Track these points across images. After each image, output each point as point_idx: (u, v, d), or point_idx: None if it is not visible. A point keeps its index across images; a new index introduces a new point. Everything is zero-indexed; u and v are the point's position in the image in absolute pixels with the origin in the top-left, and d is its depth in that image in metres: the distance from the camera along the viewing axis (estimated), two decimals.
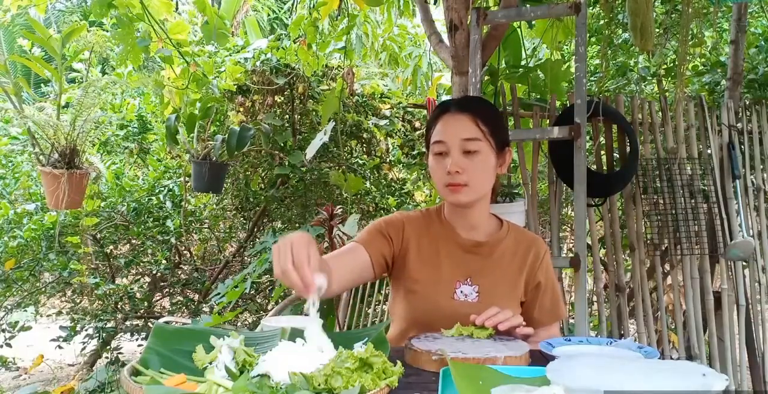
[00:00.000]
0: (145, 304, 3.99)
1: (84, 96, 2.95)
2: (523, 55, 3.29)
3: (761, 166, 3.19)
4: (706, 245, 2.90)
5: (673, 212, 2.87)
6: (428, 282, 1.51)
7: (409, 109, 4.26)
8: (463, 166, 1.44)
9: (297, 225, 3.84)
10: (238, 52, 3.80)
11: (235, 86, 3.67)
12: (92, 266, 3.95)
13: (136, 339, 3.93)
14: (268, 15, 8.50)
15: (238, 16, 5.59)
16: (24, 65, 3.37)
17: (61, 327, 3.82)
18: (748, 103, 3.21)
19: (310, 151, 3.22)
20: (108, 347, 3.97)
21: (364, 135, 4.05)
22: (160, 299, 4.34)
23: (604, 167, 2.99)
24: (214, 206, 4.28)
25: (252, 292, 3.86)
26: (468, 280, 1.52)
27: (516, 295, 1.54)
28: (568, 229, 4.40)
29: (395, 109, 4.19)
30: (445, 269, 1.52)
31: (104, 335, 3.80)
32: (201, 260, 4.48)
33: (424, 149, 4.08)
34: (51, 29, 3.28)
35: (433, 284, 1.51)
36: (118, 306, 3.85)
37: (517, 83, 3.01)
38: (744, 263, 3.08)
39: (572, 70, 2.58)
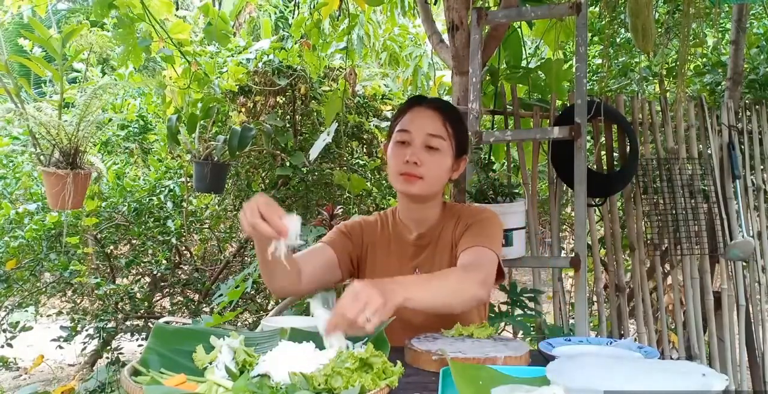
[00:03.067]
0: (146, 304, 3.99)
1: (90, 97, 2.95)
2: (524, 56, 3.29)
3: (761, 166, 3.19)
4: (706, 245, 2.90)
5: (673, 212, 2.87)
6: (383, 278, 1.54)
7: None
8: (423, 159, 1.47)
9: None
10: (240, 52, 3.81)
11: (237, 87, 3.67)
12: (93, 266, 3.95)
13: (137, 339, 3.93)
14: (273, 13, 8.50)
15: (241, 16, 5.59)
16: (23, 65, 3.37)
17: (61, 327, 3.82)
18: (748, 103, 3.21)
19: (314, 151, 3.22)
20: (108, 347, 3.97)
21: (365, 136, 4.05)
22: (161, 299, 4.34)
23: (604, 167, 2.99)
24: (216, 207, 4.28)
25: (252, 292, 3.86)
26: (416, 271, 1.56)
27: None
28: (568, 229, 4.40)
29: (396, 110, 4.19)
30: (396, 264, 1.57)
31: (104, 335, 3.80)
32: (201, 260, 4.48)
33: None
34: (51, 29, 3.27)
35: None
36: (119, 306, 3.85)
37: (517, 83, 3.01)
38: (744, 263, 3.07)
39: (573, 69, 2.59)
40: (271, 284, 1.44)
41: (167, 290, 4.26)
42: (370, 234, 1.61)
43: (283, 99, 3.88)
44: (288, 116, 3.90)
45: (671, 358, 2.96)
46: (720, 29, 4.17)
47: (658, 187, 2.91)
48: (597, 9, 3.95)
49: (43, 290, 3.95)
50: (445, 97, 4.90)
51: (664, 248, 3.01)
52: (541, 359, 1.23)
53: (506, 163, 3.19)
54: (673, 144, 2.96)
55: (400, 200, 1.61)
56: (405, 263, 1.57)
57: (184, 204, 3.96)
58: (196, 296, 4.16)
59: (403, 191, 1.54)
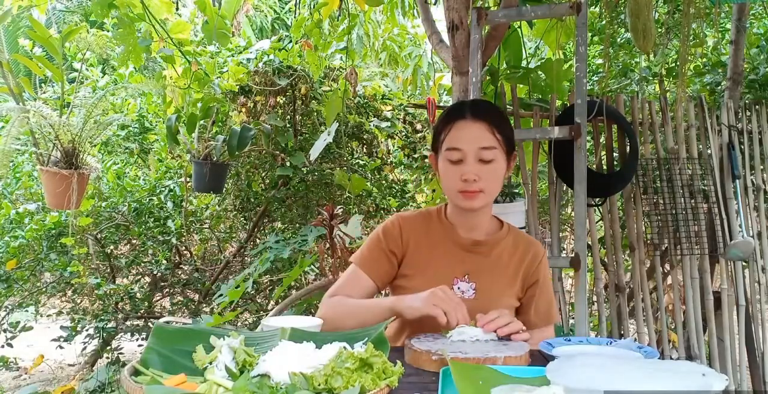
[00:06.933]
0: (146, 304, 3.99)
1: (99, 98, 2.95)
2: (524, 56, 3.30)
3: (761, 167, 3.19)
4: (706, 245, 2.90)
5: (673, 211, 2.87)
6: (425, 279, 1.52)
7: (410, 111, 4.27)
8: (479, 174, 1.44)
9: (298, 225, 3.84)
10: (241, 52, 3.80)
11: (238, 87, 3.67)
12: (93, 266, 3.95)
13: (137, 339, 3.93)
14: (269, 15, 8.50)
15: (238, 15, 5.59)
16: (25, 65, 3.38)
17: (61, 327, 3.82)
18: (748, 103, 3.21)
19: (315, 151, 3.22)
20: (108, 347, 3.97)
21: (366, 136, 4.05)
22: (161, 299, 4.34)
23: (604, 167, 2.99)
24: (216, 207, 4.28)
25: (252, 292, 3.86)
26: (466, 277, 1.53)
27: (512, 293, 1.55)
28: (568, 229, 4.40)
29: (396, 110, 4.19)
30: (443, 267, 1.53)
31: (105, 335, 3.80)
32: (201, 260, 4.48)
33: (425, 152, 4.08)
34: (51, 29, 3.28)
35: (429, 281, 1.50)
36: (119, 306, 3.86)
37: (517, 83, 3.02)
38: (744, 263, 3.08)
39: (573, 69, 2.59)
40: (346, 327, 1.43)
41: (167, 290, 4.26)
42: (412, 229, 1.57)
43: (284, 99, 3.88)
44: (288, 116, 3.90)
45: (671, 358, 2.96)
46: (720, 29, 4.17)
47: (658, 187, 2.91)
48: (597, 9, 3.95)
49: (43, 290, 3.95)
50: (445, 98, 4.91)
51: (664, 248, 3.01)
52: (541, 359, 1.23)
53: None
54: (673, 144, 2.96)
55: (452, 207, 1.58)
56: (455, 265, 1.53)
57: (184, 204, 3.96)
58: (196, 296, 4.16)
59: (466, 208, 1.50)
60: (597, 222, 3.18)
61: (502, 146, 1.47)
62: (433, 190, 3.86)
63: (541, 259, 1.60)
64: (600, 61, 4.30)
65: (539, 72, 3.14)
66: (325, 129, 3.28)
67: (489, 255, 1.55)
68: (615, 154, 2.95)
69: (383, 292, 1.60)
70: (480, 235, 1.57)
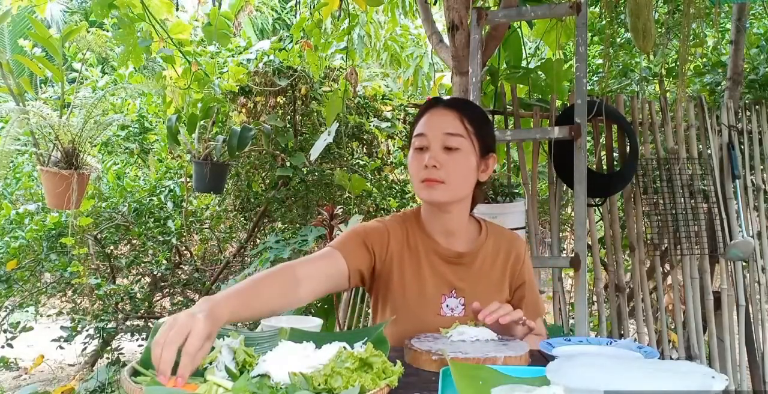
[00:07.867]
0: (146, 304, 3.99)
1: (98, 99, 2.96)
2: (524, 56, 3.30)
3: (761, 167, 3.19)
4: (706, 245, 2.91)
5: (673, 211, 2.87)
6: (414, 299, 1.45)
7: (410, 111, 4.27)
8: (442, 162, 1.37)
9: (298, 226, 3.84)
10: (241, 53, 3.81)
11: (238, 87, 3.67)
12: (93, 267, 3.95)
13: (137, 339, 3.93)
14: (269, 16, 8.50)
15: (240, 16, 5.60)
16: (26, 66, 3.38)
17: (62, 327, 3.82)
18: (748, 103, 3.21)
19: (315, 152, 3.22)
20: (108, 348, 3.97)
21: (366, 136, 4.05)
22: (161, 299, 4.35)
23: (604, 167, 2.99)
24: (216, 207, 4.28)
25: None
26: (453, 292, 1.46)
27: (501, 299, 1.49)
28: (568, 229, 4.41)
29: (396, 110, 4.20)
30: (430, 284, 1.46)
31: (105, 335, 3.80)
32: (201, 260, 4.48)
33: None
34: (51, 29, 3.28)
35: (418, 300, 1.45)
36: (119, 306, 3.86)
37: (517, 83, 3.02)
38: (744, 263, 3.08)
39: (573, 69, 2.59)
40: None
41: (167, 290, 4.27)
42: (397, 242, 1.47)
43: (284, 99, 3.88)
44: (288, 117, 3.90)
45: (671, 358, 2.96)
46: (720, 29, 4.17)
47: (658, 187, 2.91)
48: (597, 9, 3.96)
49: (43, 290, 3.95)
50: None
51: (664, 248, 3.02)
52: (541, 359, 1.23)
53: (506, 163, 3.19)
54: (673, 144, 2.96)
55: (424, 207, 1.49)
56: (441, 281, 1.46)
57: (185, 204, 3.96)
58: (196, 296, 4.16)
59: (427, 199, 1.42)
60: (597, 222, 3.18)
61: (471, 138, 1.40)
62: None
63: (523, 259, 1.55)
64: (600, 61, 4.30)
65: (539, 72, 3.14)
66: (325, 129, 3.28)
67: (472, 266, 1.49)
68: (615, 154, 2.95)
69: (352, 281, 1.44)
70: (460, 244, 1.49)
